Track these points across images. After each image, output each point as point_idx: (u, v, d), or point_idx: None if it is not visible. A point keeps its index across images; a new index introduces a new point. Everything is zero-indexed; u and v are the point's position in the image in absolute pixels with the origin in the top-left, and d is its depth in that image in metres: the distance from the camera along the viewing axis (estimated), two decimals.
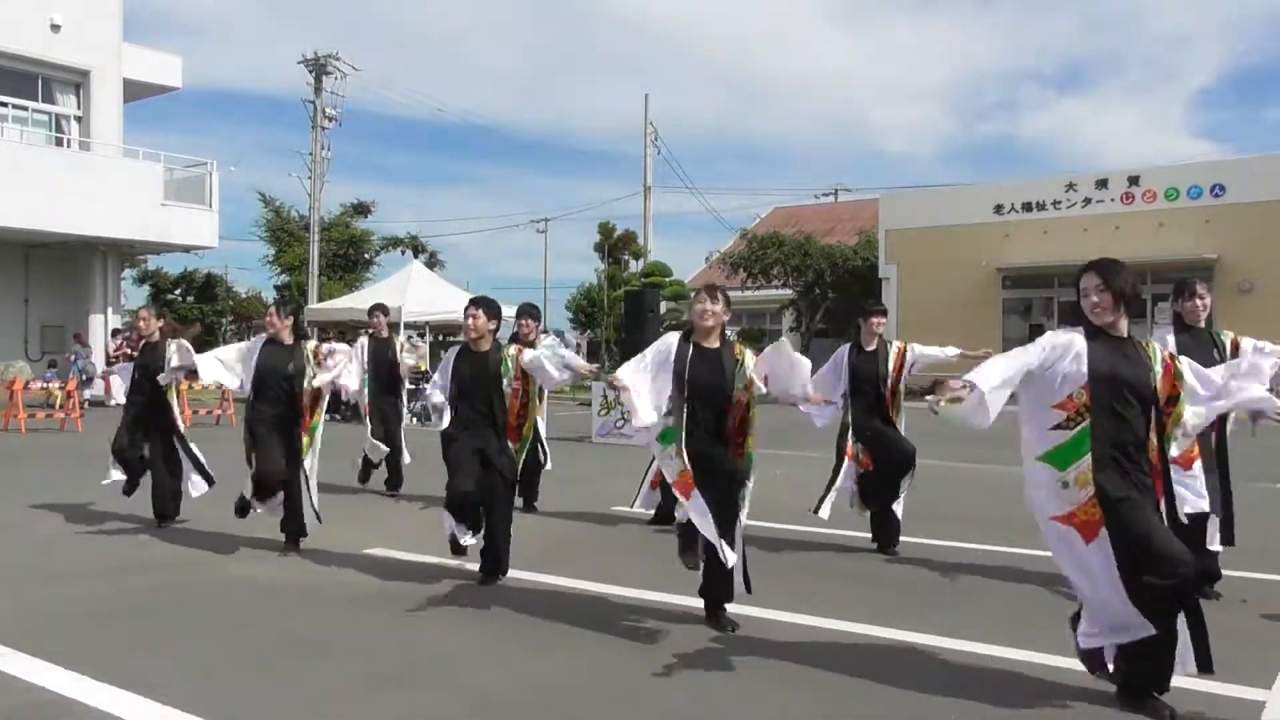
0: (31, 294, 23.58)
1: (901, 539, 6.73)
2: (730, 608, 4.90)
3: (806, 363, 4.99)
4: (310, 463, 6.54)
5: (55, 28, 22.34)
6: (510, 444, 5.70)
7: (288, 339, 6.73)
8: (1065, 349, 3.76)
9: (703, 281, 36.91)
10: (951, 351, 6.84)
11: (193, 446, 7.41)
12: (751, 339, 34.66)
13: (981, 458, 11.45)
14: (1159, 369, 3.80)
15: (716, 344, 4.86)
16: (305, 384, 6.57)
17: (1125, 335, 3.80)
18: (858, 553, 6.62)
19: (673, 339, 4.95)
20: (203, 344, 32.66)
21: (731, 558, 4.63)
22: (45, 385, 17.93)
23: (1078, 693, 3.89)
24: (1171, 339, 5.48)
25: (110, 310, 23.99)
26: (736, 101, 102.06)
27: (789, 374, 4.92)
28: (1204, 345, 5.41)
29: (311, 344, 6.88)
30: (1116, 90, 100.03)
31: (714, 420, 4.80)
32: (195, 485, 7.36)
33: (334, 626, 4.92)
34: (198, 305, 35.93)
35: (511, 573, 5.84)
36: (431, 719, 3.77)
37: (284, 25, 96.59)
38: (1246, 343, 5.51)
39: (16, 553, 6.58)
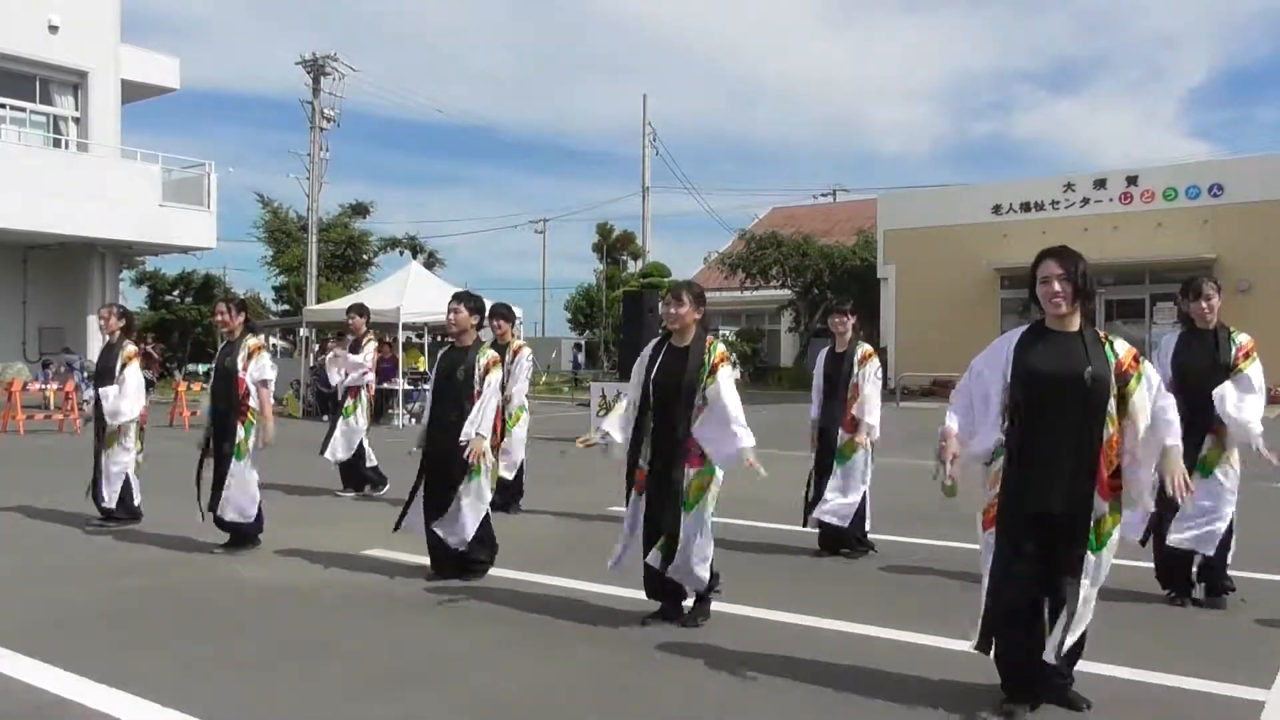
0: (29, 295, 23.56)
1: (901, 539, 6.73)
2: (728, 608, 4.90)
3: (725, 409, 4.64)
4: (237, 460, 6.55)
5: (53, 29, 22.30)
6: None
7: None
8: (996, 356, 3.74)
9: (700, 282, 36.92)
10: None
11: (111, 462, 7.36)
12: (751, 339, 34.64)
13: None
14: (1114, 360, 3.59)
15: (687, 342, 4.80)
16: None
17: (1075, 330, 3.63)
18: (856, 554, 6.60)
19: (652, 343, 4.96)
20: (201, 344, 32.51)
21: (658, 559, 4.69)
22: (43, 388, 17.92)
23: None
24: (1174, 340, 5.39)
25: (101, 307, 23.94)
26: (734, 102, 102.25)
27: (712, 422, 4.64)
28: (1205, 348, 5.24)
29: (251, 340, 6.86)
30: (1109, 90, 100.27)
31: (671, 420, 4.69)
32: (104, 494, 7.40)
33: (332, 627, 4.91)
34: (195, 306, 35.82)
35: (509, 573, 5.84)
36: (430, 719, 3.77)
37: (282, 27, 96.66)
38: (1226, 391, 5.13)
39: (15, 554, 6.56)
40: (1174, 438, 3.64)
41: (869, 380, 6.42)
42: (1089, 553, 3.57)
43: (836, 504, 6.41)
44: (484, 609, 5.22)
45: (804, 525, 6.68)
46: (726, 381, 4.68)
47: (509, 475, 7.91)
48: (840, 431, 6.48)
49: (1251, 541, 5.88)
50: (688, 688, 4.03)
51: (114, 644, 4.59)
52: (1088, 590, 3.59)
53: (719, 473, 4.76)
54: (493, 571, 5.86)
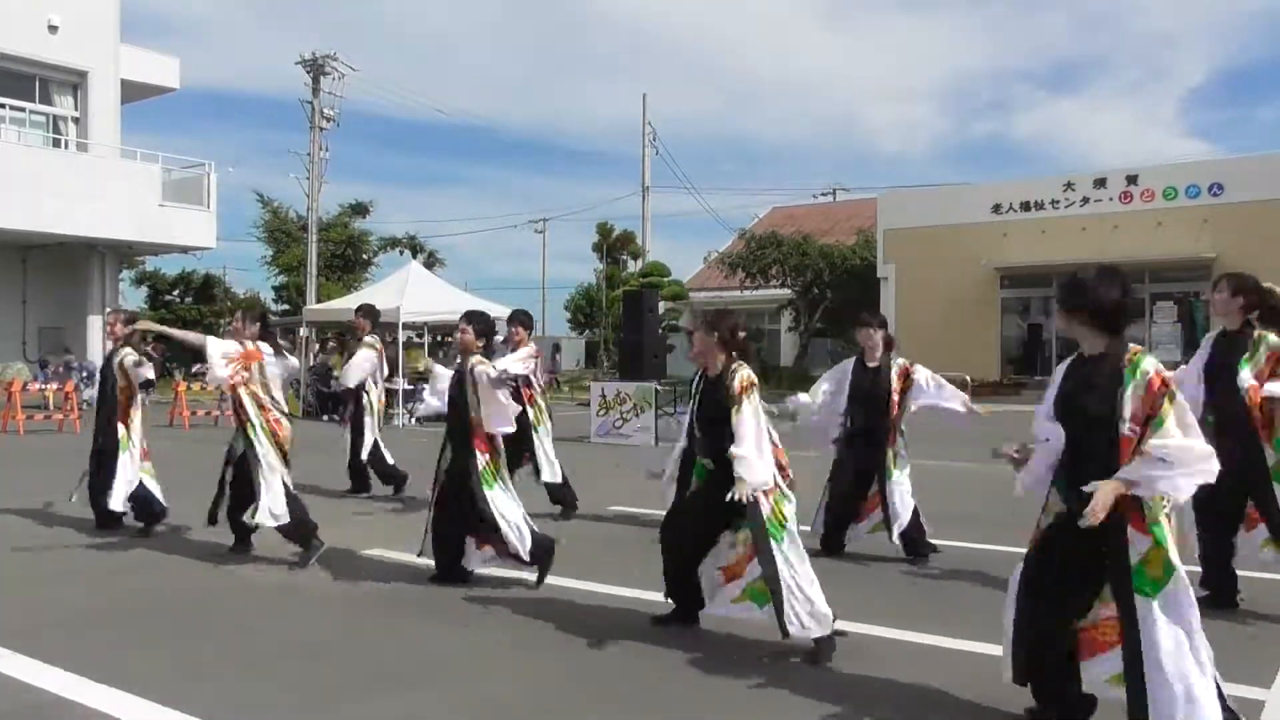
0: (29, 295, 23.57)
1: None
2: (724, 608, 4.89)
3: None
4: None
5: (53, 28, 22.31)
6: (481, 454, 5.62)
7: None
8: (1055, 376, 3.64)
9: (700, 282, 37.01)
10: (956, 404, 6.40)
11: (123, 466, 7.11)
12: (751, 339, 34.60)
13: (982, 458, 11.46)
14: (1131, 386, 3.27)
15: (718, 369, 4.72)
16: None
17: (1099, 353, 3.40)
18: (858, 554, 6.60)
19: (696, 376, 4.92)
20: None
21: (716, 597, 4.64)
22: (43, 388, 17.92)
23: None
24: (1209, 340, 5.23)
25: (108, 311, 23.98)
26: (733, 102, 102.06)
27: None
28: (1234, 350, 5.01)
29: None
30: (1109, 90, 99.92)
31: (714, 444, 4.61)
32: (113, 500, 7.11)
33: (333, 627, 4.92)
34: (195, 306, 35.88)
35: (509, 573, 5.83)
36: (430, 719, 3.77)
37: (282, 26, 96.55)
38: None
39: (15, 554, 6.56)
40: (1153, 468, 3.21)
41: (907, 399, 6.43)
42: (1140, 598, 3.27)
43: (900, 516, 6.33)
44: (484, 609, 5.22)
45: (809, 526, 6.67)
46: (745, 411, 4.52)
47: (555, 480, 8.00)
48: (886, 448, 6.36)
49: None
50: (689, 688, 4.03)
51: (114, 644, 4.59)
52: (1166, 644, 3.22)
53: (791, 494, 4.61)
54: (493, 572, 5.85)
